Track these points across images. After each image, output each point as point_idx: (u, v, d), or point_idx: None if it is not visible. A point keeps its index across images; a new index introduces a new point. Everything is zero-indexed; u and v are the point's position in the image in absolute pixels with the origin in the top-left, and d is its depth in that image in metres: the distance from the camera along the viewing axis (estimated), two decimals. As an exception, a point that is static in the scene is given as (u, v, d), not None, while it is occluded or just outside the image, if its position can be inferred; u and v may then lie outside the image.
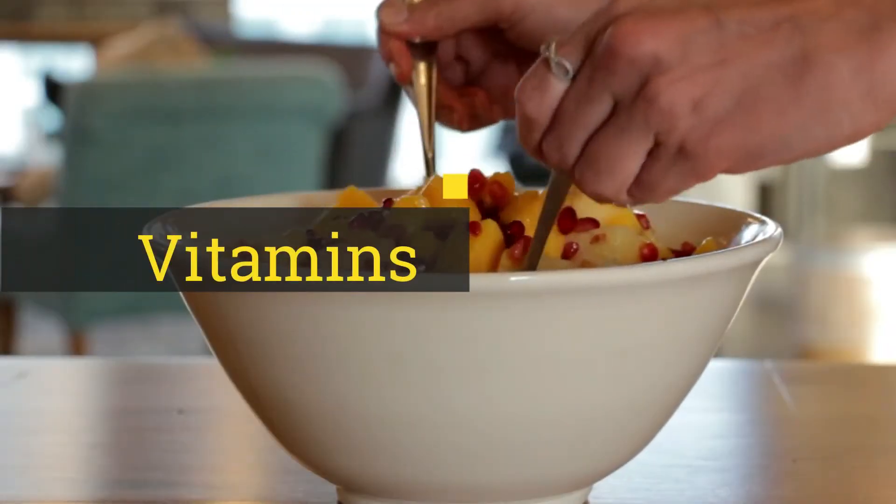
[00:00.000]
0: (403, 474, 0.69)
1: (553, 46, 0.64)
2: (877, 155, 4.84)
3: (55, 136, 3.83)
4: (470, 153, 6.34)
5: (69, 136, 3.20)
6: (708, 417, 0.94)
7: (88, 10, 6.30)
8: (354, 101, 4.07)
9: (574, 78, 0.64)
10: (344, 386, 0.66)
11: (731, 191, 4.59)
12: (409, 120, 4.79)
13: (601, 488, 0.77)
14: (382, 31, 0.84)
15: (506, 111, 0.87)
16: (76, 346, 3.31)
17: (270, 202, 0.83)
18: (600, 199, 0.65)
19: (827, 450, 0.88)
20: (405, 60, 0.85)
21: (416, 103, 0.85)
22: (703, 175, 0.63)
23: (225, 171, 3.30)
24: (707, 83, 0.61)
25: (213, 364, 0.75)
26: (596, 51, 0.63)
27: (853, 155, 4.72)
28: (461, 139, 6.43)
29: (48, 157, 4.35)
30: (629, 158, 0.63)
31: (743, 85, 0.62)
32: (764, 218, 0.76)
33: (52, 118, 4.44)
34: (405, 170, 5.79)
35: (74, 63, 5.86)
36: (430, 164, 0.84)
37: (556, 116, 0.64)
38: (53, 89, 4.00)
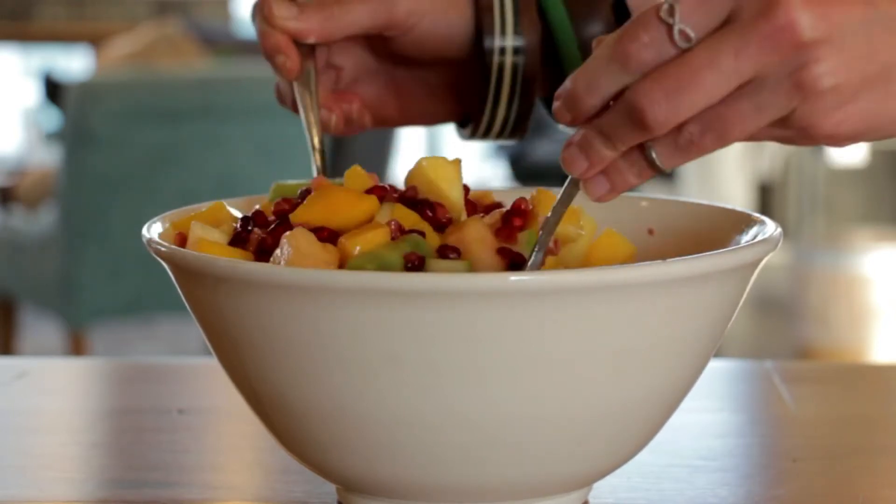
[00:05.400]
0: (403, 474, 0.69)
1: (678, 12, 0.62)
2: (877, 155, 4.83)
3: (55, 136, 3.83)
4: (470, 154, 6.33)
5: (69, 136, 3.19)
6: (708, 417, 0.94)
7: (88, 10, 6.30)
8: (354, 100, 4.07)
9: (695, 44, 0.62)
10: (344, 386, 0.66)
11: (731, 191, 4.59)
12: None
13: (601, 488, 0.77)
14: (270, 24, 0.82)
15: (375, 120, 0.88)
16: (76, 346, 3.31)
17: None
18: (698, 154, 0.64)
19: (827, 450, 0.88)
20: (295, 54, 0.83)
21: (301, 100, 0.85)
22: (813, 144, 0.66)
23: (225, 170, 3.30)
24: (853, 72, 0.63)
25: (213, 364, 0.75)
26: (751, 27, 0.61)
27: (853, 155, 4.71)
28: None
29: (48, 157, 4.35)
30: (756, 128, 0.64)
31: (880, 72, 0.64)
32: (764, 218, 0.75)
33: (52, 118, 4.44)
34: (405, 168, 5.78)
35: (74, 63, 5.86)
36: (323, 161, 0.83)
37: (673, 75, 0.62)
38: (53, 89, 4.00)
